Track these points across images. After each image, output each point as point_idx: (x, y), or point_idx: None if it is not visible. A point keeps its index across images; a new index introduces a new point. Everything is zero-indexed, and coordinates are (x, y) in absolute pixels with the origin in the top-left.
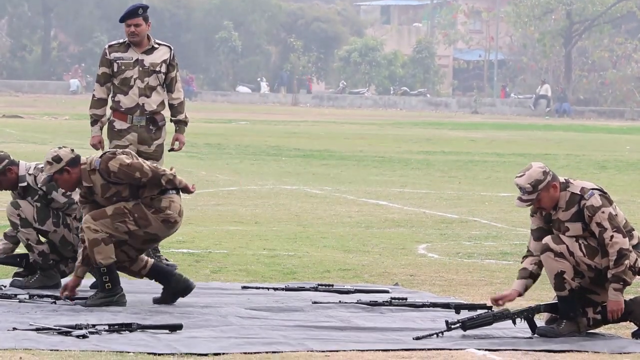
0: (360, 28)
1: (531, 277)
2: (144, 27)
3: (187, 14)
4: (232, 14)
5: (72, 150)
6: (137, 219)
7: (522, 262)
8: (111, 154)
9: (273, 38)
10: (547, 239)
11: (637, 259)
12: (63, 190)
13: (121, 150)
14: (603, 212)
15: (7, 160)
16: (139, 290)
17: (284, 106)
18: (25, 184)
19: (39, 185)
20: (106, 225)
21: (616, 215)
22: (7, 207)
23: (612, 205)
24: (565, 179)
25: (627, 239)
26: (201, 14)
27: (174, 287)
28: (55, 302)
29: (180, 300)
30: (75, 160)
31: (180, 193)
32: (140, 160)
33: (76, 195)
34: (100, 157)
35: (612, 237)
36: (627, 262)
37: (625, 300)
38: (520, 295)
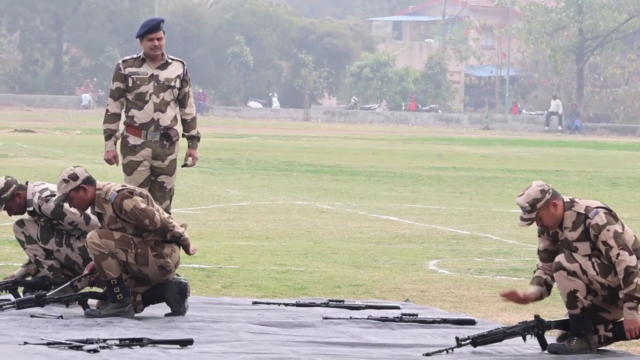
0: (372, 43)
1: (545, 285)
2: (164, 41)
3: (198, 28)
4: (244, 29)
5: (86, 170)
6: (138, 254)
7: (534, 273)
8: (129, 192)
9: (284, 53)
10: (560, 258)
11: None
12: (70, 220)
13: (139, 191)
14: (608, 230)
15: (14, 186)
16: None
17: (295, 121)
18: (31, 208)
19: (51, 202)
20: (109, 246)
21: (623, 232)
22: (13, 225)
23: (619, 222)
24: (570, 199)
25: (634, 256)
26: (212, 29)
27: (173, 296)
28: (62, 317)
29: (190, 314)
30: (90, 180)
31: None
32: (155, 207)
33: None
34: (118, 191)
35: (618, 254)
36: (636, 279)
37: None
38: (534, 297)
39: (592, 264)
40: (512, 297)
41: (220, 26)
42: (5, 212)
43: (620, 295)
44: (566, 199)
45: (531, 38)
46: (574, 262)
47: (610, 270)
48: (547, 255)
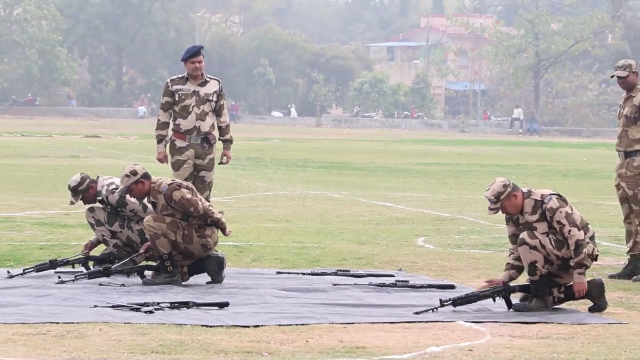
0: (370, 64)
1: (514, 268)
2: (203, 63)
3: (231, 53)
4: (268, 53)
5: (143, 167)
6: (185, 235)
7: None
8: (177, 185)
9: (300, 72)
10: (524, 235)
11: (593, 248)
12: (131, 208)
13: (186, 184)
14: (560, 212)
15: (88, 180)
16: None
17: (309, 127)
18: (100, 198)
19: (115, 193)
20: (161, 228)
21: (572, 213)
22: (85, 211)
23: (568, 205)
24: (527, 190)
25: (582, 231)
26: (242, 53)
27: (212, 268)
28: (124, 285)
29: (226, 282)
30: (147, 175)
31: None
32: (198, 198)
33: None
34: (169, 184)
35: (569, 231)
36: (585, 250)
37: None
38: (504, 282)
39: (549, 240)
40: (493, 282)
41: (248, 51)
42: (81, 202)
43: (571, 264)
44: (524, 189)
45: (497, 59)
46: (534, 239)
47: (564, 244)
48: (515, 239)
